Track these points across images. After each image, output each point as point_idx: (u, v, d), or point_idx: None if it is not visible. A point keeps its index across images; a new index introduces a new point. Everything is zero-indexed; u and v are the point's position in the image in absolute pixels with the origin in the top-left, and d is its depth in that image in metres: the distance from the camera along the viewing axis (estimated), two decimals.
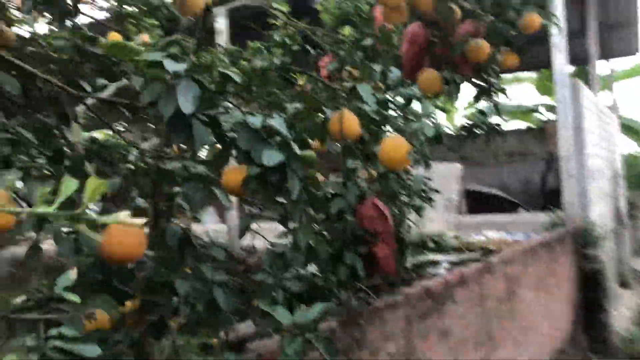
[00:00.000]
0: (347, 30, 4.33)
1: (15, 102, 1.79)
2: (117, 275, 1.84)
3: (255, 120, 1.35)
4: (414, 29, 3.02)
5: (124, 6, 3.26)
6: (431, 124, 2.30)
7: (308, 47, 4.64)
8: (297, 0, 4.60)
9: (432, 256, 6.54)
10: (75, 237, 1.81)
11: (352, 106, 2.20)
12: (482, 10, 2.65)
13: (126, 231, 1.76)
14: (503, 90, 3.08)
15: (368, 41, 4.03)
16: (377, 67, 3.84)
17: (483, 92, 2.96)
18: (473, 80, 2.97)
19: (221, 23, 7.87)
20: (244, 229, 2.25)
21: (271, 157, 1.34)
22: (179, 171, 1.78)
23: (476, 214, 8.96)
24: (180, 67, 1.35)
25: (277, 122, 1.40)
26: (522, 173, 12.25)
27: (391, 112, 2.68)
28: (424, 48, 3.03)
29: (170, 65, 1.33)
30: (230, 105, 1.54)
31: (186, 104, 1.30)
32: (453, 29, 2.96)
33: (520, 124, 16.09)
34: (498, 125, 2.96)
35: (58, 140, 2.06)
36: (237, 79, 1.44)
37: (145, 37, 4.63)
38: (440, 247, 7.01)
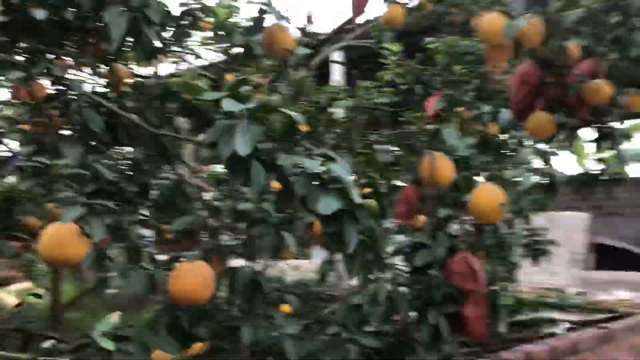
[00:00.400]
0: (457, 68, 4.16)
1: (100, 139, 1.85)
2: (186, 317, 1.80)
3: (312, 164, 1.25)
4: (525, 68, 2.79)
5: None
6: (531, 172, 2.05)
7: (417, 86, 4.52)
8: (409, 39, 4.52)
9: (549, 314, 5.98)
10: (150, 273, 1.79)
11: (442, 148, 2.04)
12: (601, 48, 2.37)
13: (193, 272, 1.73)
14: (628, 136, 2.74)
15: (478, 81, 3.84)
16: (487, 108, 3.63)
17: (603, 138, 2.64)
18: (592, 124, 2.67)
19: (337, 61, 7.97)
20: (322, 275, 2.14)
21: (328, 205, 1.23)
22: (252, 212, 1.72)
23: (605, 270, 8.13)
24: (239, 107, 1.29)
25: (337, 167, 1.29)
26: None
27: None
28: (536, 89, 2.78)
29: (229, 105, 1.27)
30: (305, 148, 1.46)
31: (243, 145, 1.24)
32: (569, 68, 2.70)
33: None
34: (620, 174, 2.62)
35: (145, 176, 2.09)
36: (301, 120, 1.35)
37: (258, 77, 4.76)
38: (561, 304, 6.41)
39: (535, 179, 1.99)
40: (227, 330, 1.78)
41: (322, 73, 4.66)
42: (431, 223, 2.19)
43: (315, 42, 2.95)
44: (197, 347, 1.83)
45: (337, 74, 7.95)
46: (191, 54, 3.95)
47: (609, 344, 3.15)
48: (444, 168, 2.07)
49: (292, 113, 1.37)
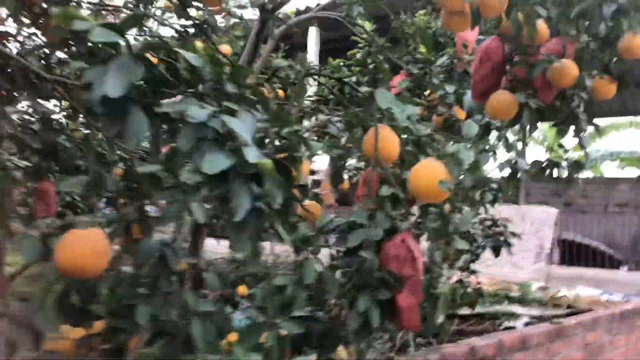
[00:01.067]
0: (424, 48, 3.97)
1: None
2: (79, 291, 1.59)
3: (199, 113, 1.04)
4: (489, 44, 2.60)
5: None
6: (477, 149, 1.86)
7: (387, 66, 4.33)
8: (380, 19, 4.34)
9: (511, 307, 5.89)
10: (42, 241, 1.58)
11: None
12: (568, 23, 2.19)
13: (83, 240, 1.51)
14: (593, 124, 2.57)
15: (444, 60, 3.65)
16: (451, 89, 3.45)
17: (564, 123, 2.47)
18: (554, 107, 2.49)
19: (311, 41, 7.75)
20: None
21: (214, 162, 1.02)
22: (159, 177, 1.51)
23: (571, 266, 8.08)
24: (113, 37, 1.07)
25: (235, 121, 1.08)
26: (632, 227, 11.02)
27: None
28: (499, 67, 2.60)
29: (99, 34, 1.05)
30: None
31: (114, 85, 1.02)
32: (536, 47, 2.52)
33: (635, 172, 14.71)
34: (580, 163, 2.45)
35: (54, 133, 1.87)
36: (201, 64, 1.14)
37: (226, 48, 4.54)
38: (522, 298, 6.32)
39: (480, 156, 1.79)
40: (126, 309, 1.57)
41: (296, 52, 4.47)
42: (372, 202, 2.00)
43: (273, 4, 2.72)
44: (96, 325, 1.63)
45: (311, 54, 7.73)
46: (156, 19, 3.72)
47: (561, 340, 3.01)
48: (387, 142, 1.87)
49: (189, 54, 1.16)
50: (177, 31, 3.33)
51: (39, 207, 2.44)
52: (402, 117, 1.68)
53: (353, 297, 1.80)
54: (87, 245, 1.45)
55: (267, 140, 1.30)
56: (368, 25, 4.28)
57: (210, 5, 1.83)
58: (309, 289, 1.81)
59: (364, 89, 3.36)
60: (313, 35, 7.86)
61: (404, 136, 1.80)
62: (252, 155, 1.04)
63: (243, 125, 1.10)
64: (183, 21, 3.23)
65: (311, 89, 4.24)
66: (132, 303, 1.56)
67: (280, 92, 3.65)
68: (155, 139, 1.20)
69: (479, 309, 5.07)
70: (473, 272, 4.30)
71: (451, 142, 1.73)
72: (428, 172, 1.67)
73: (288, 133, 1.33)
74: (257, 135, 1.24)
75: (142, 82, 1.11)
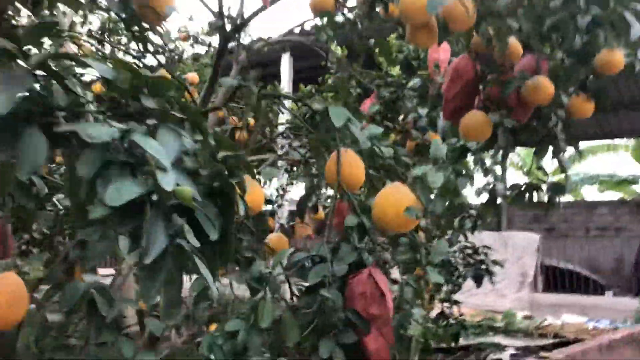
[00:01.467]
0: (395, 70, 3.85)
1: None
2: None
3: (101, 132, 0.85)
4: (459, 62, 2.47)
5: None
6: (447, 170, 1.68)
7: (359, 91, 4.22)
8: (350, 46, 4.23)
9: (496, 338, 5.69)
10: None
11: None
12: (541, 39, 2.06)
13: None
14: (572, 144, 2.43)
15: (416, 82, 3.52)
16: (423, 111, 3.31)
17: (542, 142, 2.32)
18: (531, 127, 2.35)
19: (284, 70, 7.64)
20: (199, 294, 1.73)
21: (119, 191, 0.83)
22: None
23: (555, 292, 7.93)
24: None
25: (149, 141, 0.90)
26: (615, 250, 10.95)
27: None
28: (472, 85, 2.46)
29: None
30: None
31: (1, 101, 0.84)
32: (509, 64, 2.39)
33: (615, 195, 14.76)
34: (561, 185, 2.30)
35: None
36: (109, 74, 0.96)
37: (192, 75, 4.38)
38: (507, 328, 6.13)
39: (453, 180, 1.61)
40: None
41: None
42: (337, 233, 1.81)
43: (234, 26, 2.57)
44: None
45: (285, 82, 7.62)
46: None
47: None
48: (351, 167, 1.70)
49: (100, 65, 0.98)
50: (134, 57, 3.17)
51: None
52: (362, 138, 1.50)
53: (314, 341, 1.59)
54: (2, 293, 1.25)
55: (199, 167, 1.11)
56: (340, 50, 4.18)
57: (151, 20, 1.66)
58: (267, 333, 1.60)
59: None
60: (286, 64, 7.76)
61: (368, 159, 1.63)
62: (167, 181, 0.85)
63: (161, 147, 0.92)
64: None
65: (283, 117, 4.10)
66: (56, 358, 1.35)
67: (251, 121, 3.49)
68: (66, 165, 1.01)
69: (462, 342, 4.86)
70: (455, 302, 4.12)
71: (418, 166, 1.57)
72: (393, 199, 1.50)
73: (226, 157, 1.15)
74: (189, 160, 1.05)
75: (42, 99, 0.92)
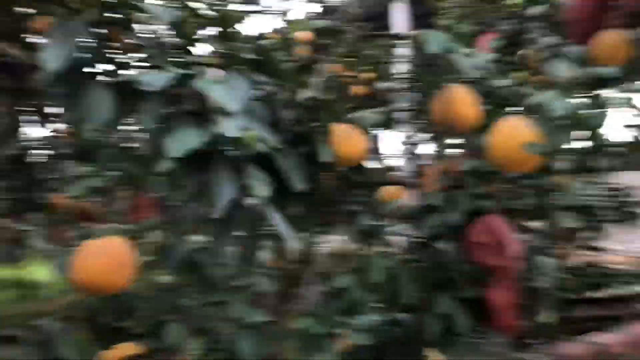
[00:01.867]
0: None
1: None
2: (106, 310, 1.41)
3: (156, 78, 0.78)
4: None
5: None
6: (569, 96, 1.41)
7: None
8: None
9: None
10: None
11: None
12: None
13: (99, 252, 1.32)
14: None
15: (540, 9, 3.15)
16: (549, 41, 2.96)
17: None
18: None
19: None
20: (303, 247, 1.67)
21: (179, 141, 0.76)
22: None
23: None
24: None
25: (217, 87, 0.81)
26: None
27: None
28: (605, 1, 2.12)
29: None
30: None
31: (52, 57, 0.79)
32: None
33: None
34: None
35: None
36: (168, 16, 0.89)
37: (304, 34, 4.34)
38: None
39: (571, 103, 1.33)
40: (158, 327, 1.36)
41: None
42: (449, 180, 1.65)
43: None
44: (127, 347, 1.44)
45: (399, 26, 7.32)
46: None
47: None
48: (463, 104, 1.51)
49: (153, 6, 0.91)
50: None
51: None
52: (464, 65, 1.32)
53: (431, 297, 1.47)
54: (105, 259, 1.26)
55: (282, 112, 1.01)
56: None
57: None
58: (377, 290, 1.51)
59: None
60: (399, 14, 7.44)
61: (479, 92, 1.44)
62: (230, 127, 0.76)
63: (227, 91, 0.83)
64: None
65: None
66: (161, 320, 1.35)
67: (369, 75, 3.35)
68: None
69: (610, 291, 4.47)
70: (596, 249, 3.78)
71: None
72: (508, 134, 1.30)
73: (308, 100, 1.04)
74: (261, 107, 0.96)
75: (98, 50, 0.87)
